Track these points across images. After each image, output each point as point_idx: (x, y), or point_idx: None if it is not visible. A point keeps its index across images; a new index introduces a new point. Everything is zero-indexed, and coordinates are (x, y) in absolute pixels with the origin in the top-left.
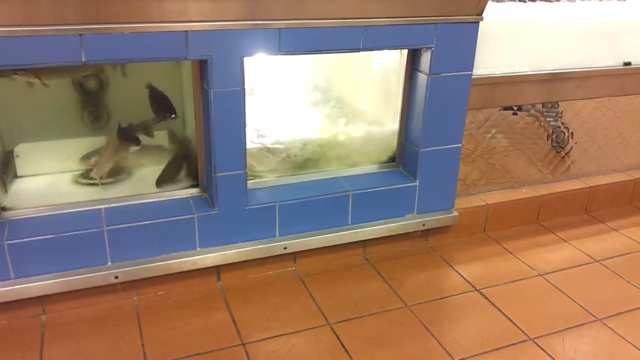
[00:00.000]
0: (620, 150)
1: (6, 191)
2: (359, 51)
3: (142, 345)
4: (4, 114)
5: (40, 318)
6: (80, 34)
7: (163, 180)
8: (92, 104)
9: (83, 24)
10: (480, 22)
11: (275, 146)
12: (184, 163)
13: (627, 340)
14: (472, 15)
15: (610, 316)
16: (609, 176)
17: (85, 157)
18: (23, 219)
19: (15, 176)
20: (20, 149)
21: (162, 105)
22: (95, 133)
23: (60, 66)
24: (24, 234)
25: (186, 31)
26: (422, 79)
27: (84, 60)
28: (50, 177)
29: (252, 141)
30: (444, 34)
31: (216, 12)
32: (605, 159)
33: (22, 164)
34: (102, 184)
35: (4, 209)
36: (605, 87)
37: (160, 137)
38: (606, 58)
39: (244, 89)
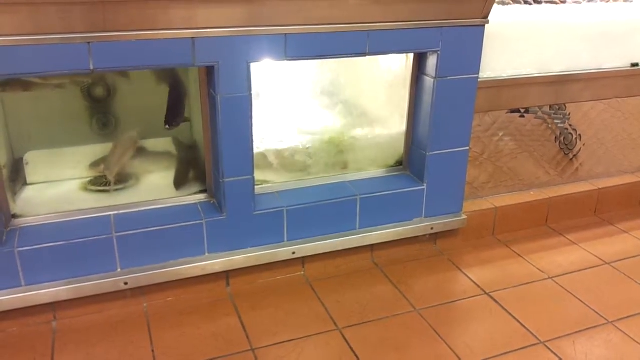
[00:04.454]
0: (629, 152)
1: (16, 199)
2: (365, 56)
3: (152, 351)
4: (13, 121)
5: (51, 325)
6: (88, 42)
7: (180, 181)
8: (100, 111)
9: (90, 32)
10: (487, 25)
11: (283, 151)
12: (194, 161)
13: (638, 343)
14: (478, 19)
15: (622, 319)
16: (618, 178)
17: (94, 164)
18: (33, 226)
19: (25, 183)
20: (30, 157)
21: (170, 110)
22: (104, 140)
23: (68, 74)
24: (34, 241)
25: (193, 38)
26: (428, 82)
27: (92, 68)
28: (59, 185)
29: (259, 146)
30: (450, 38)
31: (222, 19)
32: (614, 161)
33: (31, 172)
34: (113, 190)
35: (14, 216)
36: (613, 88)
37: (167, 143)
38: (613, 59)
39: (250, 94)
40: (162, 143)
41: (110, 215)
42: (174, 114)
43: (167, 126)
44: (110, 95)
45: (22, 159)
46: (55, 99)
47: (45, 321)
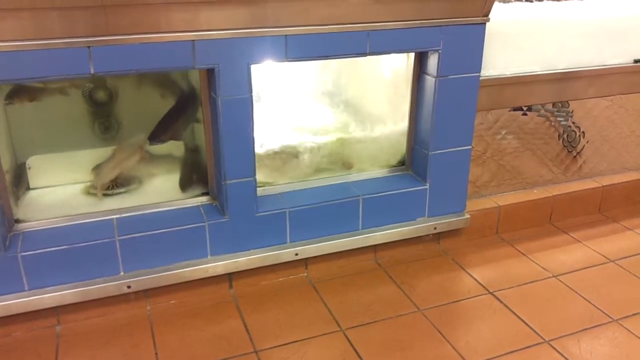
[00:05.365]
0: (633, 149)
1: (19, 203)
2: (365, 55)
3: (156, 354)
4: (16, 126)
5: (55, 329)
6: (89, 46)
7: (185, 183)
8: (102, 116)
9: (91, 36)
10: (488, 23)
11: (284, 152)
12: (198, 163)
13: None
14: (478, 17)
15: (627, 317)
16: (622, 175)
17: (97, 168)
18: (36, 231)
19: (28, 188)
20: (33, 161)
21: (160, 125)
22: (106, 144)
23: (69, 78)
24: (37, 245)
25: (193, 40)
26: (430, 81)
27: (92, 72)
28: (62, 189)
29: (260, 148)
30: (451, 36)
31: (223, 21)
32: (618, 158)
33: (34, 176)
34: (108, 194)
35: (17, 221)
36: (616, 85)
37: (170, 145)
38: (616, 56)
39: (251, 96)
40: (165, 146)
41: (112, 218)
42: (162, 130)
43: (149, 142)
44: (112, 100)
45: (24, 163)
46: (57, 103)
47: (49, 325)
